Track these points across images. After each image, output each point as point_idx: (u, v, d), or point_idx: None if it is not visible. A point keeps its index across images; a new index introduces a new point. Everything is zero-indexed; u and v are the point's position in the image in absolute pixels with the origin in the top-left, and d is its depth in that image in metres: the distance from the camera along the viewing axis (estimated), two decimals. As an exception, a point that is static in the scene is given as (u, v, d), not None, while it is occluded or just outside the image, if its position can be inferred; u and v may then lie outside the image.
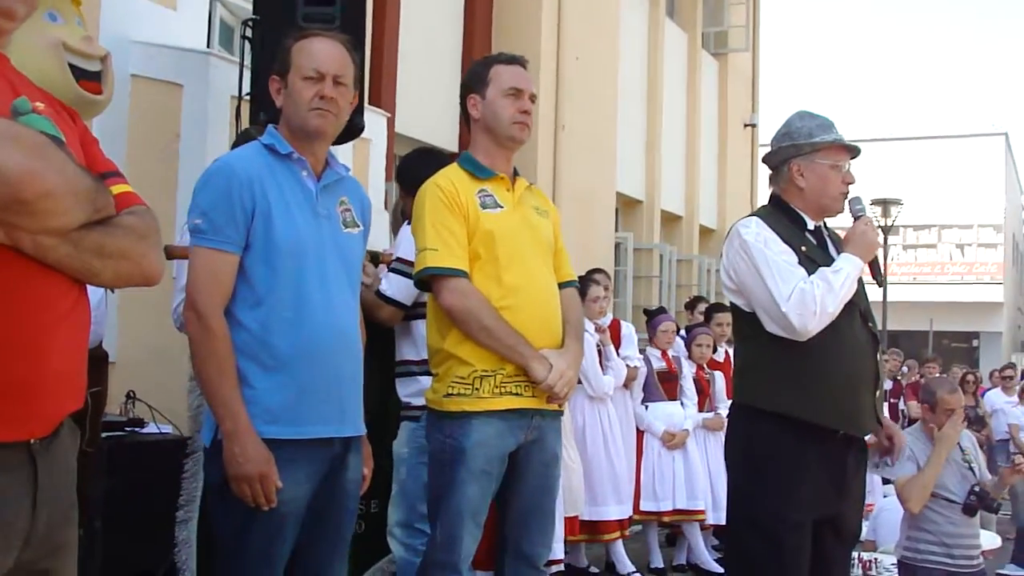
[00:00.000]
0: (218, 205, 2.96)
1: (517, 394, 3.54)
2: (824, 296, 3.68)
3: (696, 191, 16.49)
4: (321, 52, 3.14)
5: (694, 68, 16.65)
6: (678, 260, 15.46)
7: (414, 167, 4.87)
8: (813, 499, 3.78)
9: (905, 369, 15.82)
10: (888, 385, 12.24)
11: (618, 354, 7.52)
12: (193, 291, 2.95)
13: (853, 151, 4.00)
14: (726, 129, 17.87)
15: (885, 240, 23.19)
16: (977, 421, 13.26)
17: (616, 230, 13.88)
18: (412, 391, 4.45)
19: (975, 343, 41.37)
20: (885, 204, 23.97)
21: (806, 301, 3.67)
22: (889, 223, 24.03)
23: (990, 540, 6.85)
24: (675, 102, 15.87)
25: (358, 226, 3.23)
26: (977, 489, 5.65)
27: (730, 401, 4.39)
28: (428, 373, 4.02)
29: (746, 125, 18.64)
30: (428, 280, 3.57)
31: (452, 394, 3.53)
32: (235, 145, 4.83)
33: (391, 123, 8.59)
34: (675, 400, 8.01)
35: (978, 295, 40.31)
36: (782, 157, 4.00)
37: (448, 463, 3.53)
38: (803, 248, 3.87)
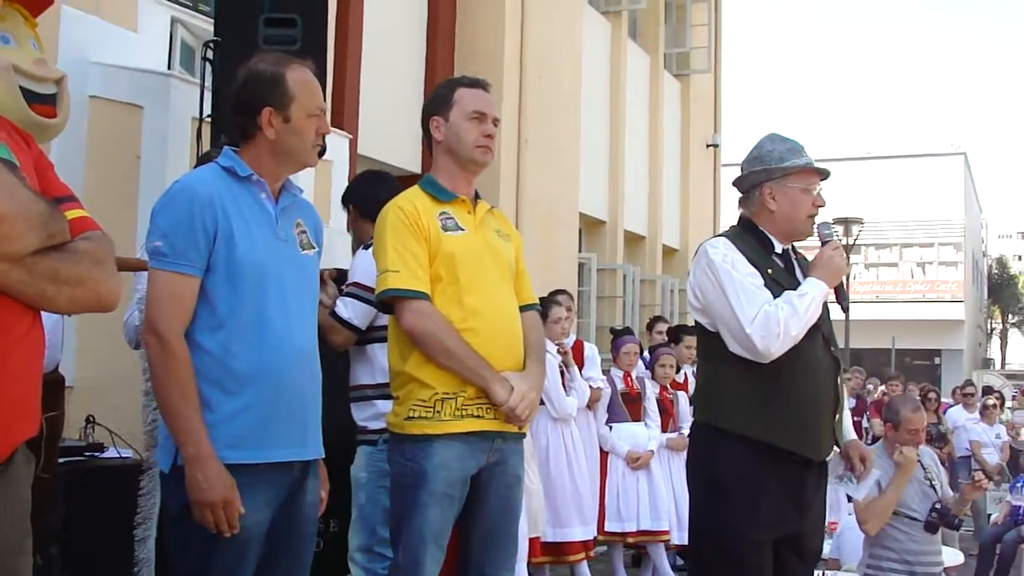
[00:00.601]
0: (179, 227, 2.92)
1: (478, 416, 3.52)
2: (788, 319, 3.69)
3: (659, 211, 16.56)
4: (316, 86, 3.18)
5: (656, 89, 16.73)
6: (641, 280, 15.51)
7: (363, 188, 4.89)
8: (774, 518, 3.80)
9: (870, 387, 15.92)
10: (851, 403, 12.29)
11: (581, 375, 7.52)
12: (154, 315, 2.91)
13: (823, 174, 4.03)
14: (688, 150, 17.97)
15: (847, 259, 23.36)
16: (939, 438, 13.35)
17: (580, 250, 13.92)
18: (368, 415, 4.44)
19: (937, 360, 41.76)
20: (847, 223, 24.19)
21: (770, 323, 3.68)
22: (851, 242, 24.23)
23: (953, 556, 6.89)
24: (638, 123, 15.94)
25: (313, 248, 3.21)
26: (938, 506, 5.69)
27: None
28: (384, 397, 4.02)
29: (708, 145, 18.75)
30: (389, 302, 3.56)
31: (413, 417, 3.51)
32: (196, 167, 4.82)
33: (353, 144, 8.58)
34: (639, 421, 8.03)
35: (939, 313, 40.72)
36: (753, 181, 4.02)
37: (410, 486, 3.52)
38: (770, 271, 3.89)
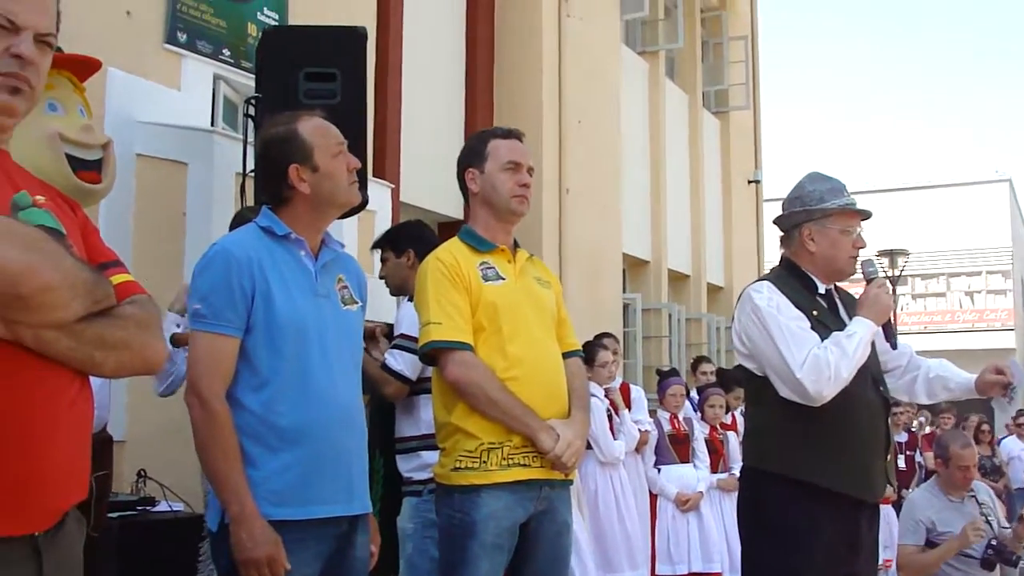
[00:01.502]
0: (217, 289, 2.97)
1: (525, 465, 3.52)
2: (838, 361, 3.65)
3: (702, 249, 16.50)
4: (330, 127, 3.22)
5: (696, 127, 16.73)
6: (687, 319, 15.45)
7: (425, 233, 4.95)
8: (827, 561, 3.76)
9: (922, 420, 15.73)
10: (903, 438, 12.12)
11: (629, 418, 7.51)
12: (195, 376, 2.96)
13: (864, 215, 4.00)
14: (730, 186, 17.91)
15: (894, 291, 23.15)
16: (993, 471, 13.15)
17: (624, 291, 13.89)
18: (413, 466, 4.46)
19: (990, 391, 41.14)
20: (892, 255, 23.97)
21: (820, 367, 3.65)
22: (896, 274, 24.02)
23: (1015, 592, 6.79)
24: (678, 161, 15.93)
25: (356, 303, 3.24)
26: (995, 543, 5.63)
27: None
28: (428, 448, 4.04)
29: (750, 182, 18.67)
30: (433, 354, 3.58)
31: (460, 468, 3.52)
32: (232, 227, 4.89)
33: (395, 194, 8.64)
34: (687, 462, 7.99)
35: (989, 342, 40.13)
36: (793, 221, 4.00)
37: (459, 537, 3.51)
38: (815, 312, 3.86)
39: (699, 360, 10.33)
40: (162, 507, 5.23)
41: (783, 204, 4.09)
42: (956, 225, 40.36)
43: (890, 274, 23.59)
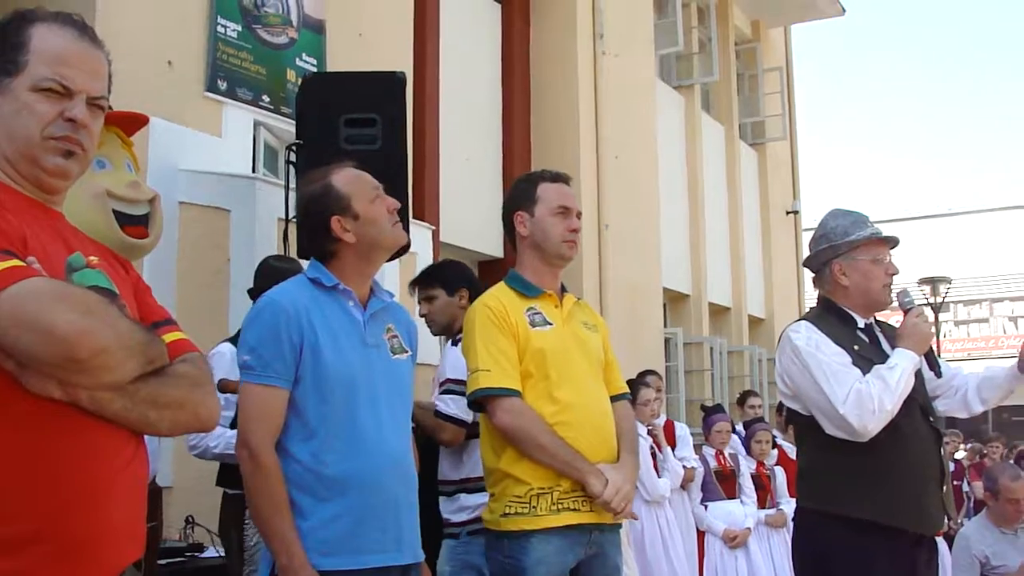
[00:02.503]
0: (265, 341, 2.99)
1: (575, 509, 3.52)
2: (881, 394, 3.64)
3: (742, 281, 16.43)
4: (363, 175, 3.24)
5: (733, 159, 16.70)
6: (729, 352, 15.37)
7: (455, 267, 4.95)
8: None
9: (969, 447, 15.57)
10: (950, 467, 11.96)
11: (674, 455, 7.47)
12: (244, 428, 2.98)
13: (891, 242, 4.00)
14: (769, 218, 17.84)
15: (936, 318, 22.96)
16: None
17: (665, 325, 13.85)
18: (452, 508, 4.44)
19: (1037, 416, 40.64)
20: (933, 283, 23.81)
21: (863, 401, 3.63)
22: (938, 301, 23.82)
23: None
24: (716, 194, 15.91)
25: (406, 352, 3.25)
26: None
27: (794, 501, 4.34)
28: (467, 491, 4.09)
29: (788, 212, 18.61)
30: (482, 401, 3.58)
31: (509, 513, 3.51)
32: (256, 276, 4.93)
33: (436, 235, 8.67)
34: (733, 498, 7.94)
35: (1036, 368, 39.69)
36: (822, 259, 4.00)
37: (510, 583, 3.51)
38: (856, 347, 3.84)
39: (746, 394, 10.26)
40: (210, 553, 5.25)
41: (809, 245, 4.11)
42: (998, 250, 40.03)
43: (932, 302, 23.42)
